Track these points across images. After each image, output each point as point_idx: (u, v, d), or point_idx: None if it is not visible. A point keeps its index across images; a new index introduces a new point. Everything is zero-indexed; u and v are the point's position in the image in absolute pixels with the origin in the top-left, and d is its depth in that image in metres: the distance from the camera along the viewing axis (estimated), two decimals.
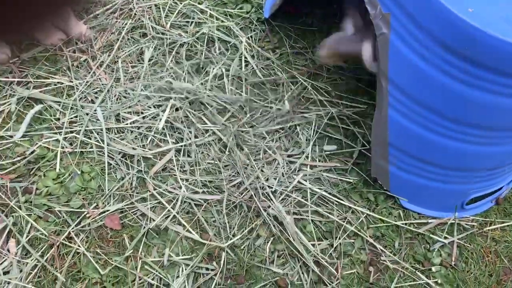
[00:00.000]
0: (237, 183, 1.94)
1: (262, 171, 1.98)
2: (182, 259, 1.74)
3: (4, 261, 1.66)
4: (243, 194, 1.91)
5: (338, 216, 1.92)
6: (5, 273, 1.63)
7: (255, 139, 2.06)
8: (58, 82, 2.07)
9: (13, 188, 1.81)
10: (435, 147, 1.80)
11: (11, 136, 1.91)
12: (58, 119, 1.98)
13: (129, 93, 2.08)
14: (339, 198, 1.98)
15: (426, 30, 1.57)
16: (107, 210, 1.80)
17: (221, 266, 1.75)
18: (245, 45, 2.34)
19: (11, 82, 2.04)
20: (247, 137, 2.05)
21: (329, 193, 1.97)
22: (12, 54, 2.10)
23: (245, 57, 2.31)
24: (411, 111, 1.74)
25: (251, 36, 2.40)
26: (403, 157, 1.87)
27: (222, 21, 2.40)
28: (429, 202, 2.00)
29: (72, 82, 2.07)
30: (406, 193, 1.99)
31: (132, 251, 1.74)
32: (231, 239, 1.81)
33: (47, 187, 1.82)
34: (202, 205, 1.87)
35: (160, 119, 2.03)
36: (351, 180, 2.03)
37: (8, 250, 1.68)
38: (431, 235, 1.95)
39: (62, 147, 1.91)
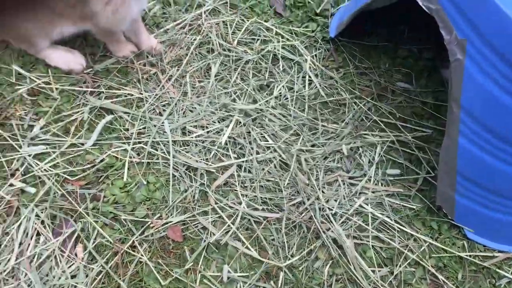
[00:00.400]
0: (297, 202, 1.94)
1: (322, 192, 1.97)
2: (240, 276, 1.75)
3: (72, 265, 1.73)
4: (303, 214, 1.90)
5: (399, 243, 1.88)
6: (72, 276, 1.70)
7: (316, 159, 2.05)
8: (128, 94, 2.15)
9: (82, 194, 1.89)
10: (507, 178, 1.73)
11: (83, 144, 2.00)
12: (127, 130, 2.06)
13: (195, 108, 2.13)
14: (401, 225, 1.93)
15: (503, 56, 1.52)
16: (170, 222, 1.84)
17: (279, 286, 1.75)
18: (309, 63, 2.34)
19: (84, 92, 2.14)
20: (309, 156, 2.05)
21: (391, 219, 1.93)
22: (86, 65, 2.20)
23: (309, 76, 2.31)
24: (483, 140, 1.69)
25: (315, 55, 2.40)
26: (471, 186, 1.81)
27: (288, 39, 2.42)
28: (496, 235, 1.92)
29: (142, 94, 2.15)
30: (472, 223, 1.92)
31: (192, 264, 1.77)
32: (289, 259, 1.80)
33: (114, 195, 1.89)
34: (262, 223, 1.88)
35: (224, 134, 2.07)
36: (414, 207, 1.98)
37: (76, 255, 1.75)
38: (497, 270, 1.87)
39: (130, 157, 1.98)
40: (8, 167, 1.91)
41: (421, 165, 2.10)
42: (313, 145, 2.10)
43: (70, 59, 2.18)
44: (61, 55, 2.17)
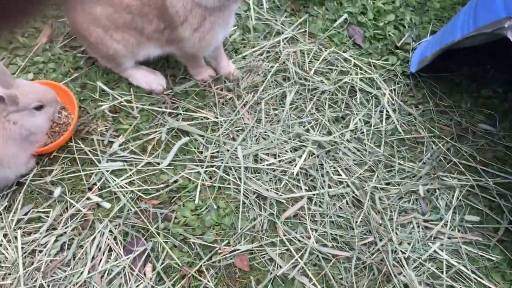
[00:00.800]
0: (368, 242, 1.88)
1: (396, 233, 1.89)
2: None
3: (140, 283, 1.75)
4: (374, 255, 1.83)
5: None
6: None
7: (391, 198, 1.98)
8: (204, 117, 2.18)
9: (154, 213, 1.92)
10: None
11: (158, 163, 2.04)
12: (201, 152, 2.08)
13: (268, 135, 2.13)
14: (478, 276, 1.82)
15: None
16: (238, 249, 1.83)
17: None
18: (387, 97, 2.29)
19: (163, 112, 2.19)
20: (383, 195, 1.98)
21: (468, 269, 1.82)
22: (166, 86, 2.26)
23: (387, 111, 2.25)
24: None
25: (394, 89, 2.34)
26: None
27: (366, 72, 2.38)
28: None
29: (217, 118, 2.17)
30: None
31: None
32: None
33: (185, 217, 1.91)
34: (330, 260, 1.83)
35: (296, 165, 2.04)
36: (494, 258, 1.86)
37: (144, 274, 1.77)
38: None
39: (202, 180, 2.00)
40: (86, 181, 1.98)
41: (502, 214, 1.98)
42: (388, 183, 2.03)
43: (152, 80, 2.25)
44: (143, 75, 2.25)
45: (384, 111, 2.25)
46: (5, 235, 1.83)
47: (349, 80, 2.33)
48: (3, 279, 1.74)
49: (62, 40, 2.39)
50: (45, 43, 2.37)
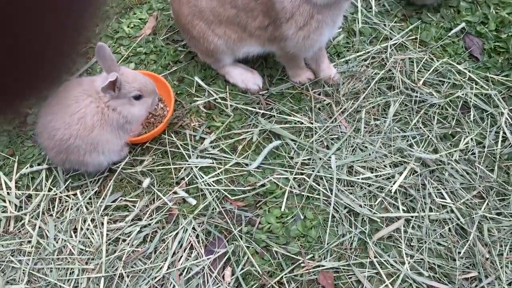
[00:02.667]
0: (471, 277, 1.66)
1: (506, 272, 1.65)
2: None
3: (218, 287, 1.68)
4: None
5: None
6: None
7: (502, 231, 1.74)
8: (298, 121, 2.08)
9: (238, 215, 1.84)
10: None
11: (247, 165, 1.97)
12: (292, 158, 1.98)
13: (366, 147, 1.97)
14: None
15: None
16: (322, 266, 1.70)
17: None
18: (505, 117, 2.03)
19: (256, 113, 2.12)
20: (493, 226, 1.75)
21: None
22: (262, 86, 2.19)
23: (504, 132, 2.00)
24: None
25: None
26: None
27: (482, 87, 2.13)
28: None
29: (312, 124, 2.05)
30: None
31: None
32: None
33: (269, 223, 1.81)
34: None
35: (395, 182, 1.87)
36: None
37: (223, 278, 1.70)
38: None
39: (291, 187, 1.89)
40: (175, 175, 1.96)
41: None
42: (499, 214, 1.79)
43: (248, 78, 2.18)
44: (240, 73, 2.19)
45: (501, 132, 2.00)
46: (92, 220, 1.85)
47: (462, 94, 2.10)
48: (86, 263, 1.76)
49: (165, 33, 2.41)
50: (148, 35, 2.41)
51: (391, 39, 2.33)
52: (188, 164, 1.98)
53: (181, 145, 2.03)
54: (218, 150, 2.02)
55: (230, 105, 2.15)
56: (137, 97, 1.82)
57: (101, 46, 1.71)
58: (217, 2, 1.87)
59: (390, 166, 1.93)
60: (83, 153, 1.78)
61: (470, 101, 2.08)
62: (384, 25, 2.39)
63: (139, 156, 2.01)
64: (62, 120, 1.73)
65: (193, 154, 2.00)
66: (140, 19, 2.48)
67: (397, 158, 1.93)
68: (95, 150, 1.80)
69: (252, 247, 1.76)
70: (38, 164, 2.01)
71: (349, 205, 1.82)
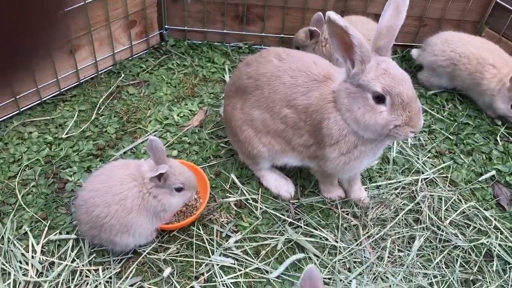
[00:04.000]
0: None
1: None
2: None
3: None
4: None
5: None
6: None
7: None
8: (324, 237, 2.12)
9: None
10: None
11: (267, 272, 1.99)
12: None
13: (388, 277, 1.99)
14: None
15: None
16: None
17: None
18: None
19: (284, 220, 2.17)
20: None
21: None
22: (294, 195, 2.26)
23: None
24: None
25: None
26: None
27: (507, 238, 2.17)
28: None
29: (337, 242, 2.09)
30: None
31: None
32: None
33: None
34: None
35: None
36: None
37: None
38: None
39: None
40: (196, 269, 1.98)
41: None
42: None
43: (281, 185, 2.27)
44: (275, 179, 2.28)
45: None
46: None
47: (486, 242, 2.14)
48: None
49: (211, 127, 2.55)
50: (195, 126, 2.55)
51: (422, 173, 2.43)
52: (210, 261, 2.00)
53: (207, 239, 2.07)
54: (241, 251, 2.05)
55: (260, 207, 2.21)
56: (179, 189, 1.90)
57: (154, 140, 1.82)
58: (269, 115, 2.00)
59: None
60: (115, 233, 1.83)
61: (494, 250, 2.11)
62: (418, 158, 2.50)
63: (165, 243, 2.05)
64: (103, 198, 1.81)
65: (216, 251, 2.03)
66: (190, 110, 2.64)
67: None
68: (127, 232, 1.85)
69: None
70: (67, 233, 2.06)
71: None
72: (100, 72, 2.77)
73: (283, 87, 1.96)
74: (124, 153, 2.38)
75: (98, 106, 2.59)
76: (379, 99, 1.68)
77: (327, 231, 2.15)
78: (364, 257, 2.06)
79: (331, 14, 1.62)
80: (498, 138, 2.67)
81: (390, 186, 2.36)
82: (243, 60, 2.29)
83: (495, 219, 2.25)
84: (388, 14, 1.73)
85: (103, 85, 2.73)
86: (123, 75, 2.79)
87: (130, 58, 2.89)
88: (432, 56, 2.81)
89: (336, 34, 1.68)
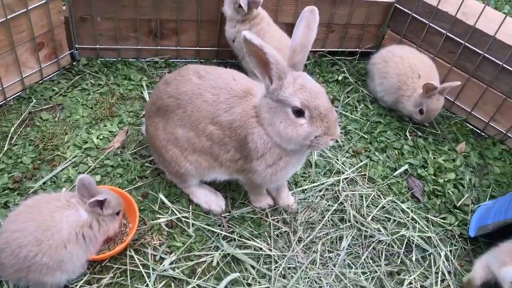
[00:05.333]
0: None
1: None
2: None
3: None
4: None
5: None
6: None
7: None
8: (258, 247, 2.16)
9: None
10: None
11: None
12: (250, 285, 2.04)
13: (321, 280, 2.08)
14: None
15: None
16: None
17: None
18: (443, 259, 2.24)
19: (218, 234, 2.19)
20: None
21: None
22: (225, 208, 2.29)
23: (442, 273, 2.19)
24: None
25: (450, 251, 2.29)
26: None
27: (422, 227, 2.36)
28: None
29: (271, 251, 2.15)
30: None
31: None
32: None
33: None
34: None
35: None
36: None
37: None
38: None
39: None
40: None
41: None
42: None
43: (212, 200, 2.29)
44: (204, 195, 2.29)
45: (440, 272, 2.19)
46: None
47: (406, 233, 2.31)
48: None
49: (133, 147, 2.50)
50: (117, 148, 2.49)
51: (343, 173, 2.56)
52: (146, 286, 1.98)
53: (141, 264, 2.04)
54: (177, 272, 2.04)
55: (192, 224, 2.21)
56: (118, 213, 1.91)
57: (85, 178, 1.80)
58: (194, 133, 2.01)
59: None
60: (45, 272, 1.75)
61: (413, 241, 2.29)
62: (337, 159, 2.63)
63: (97, 274, 1.99)
64: (32, 236, 1.72)
65: (152, 274, 2.01)
66: (110, 131, 2.57)
67: None
68: (60, 268, 1.78)
69: None
70: None
71: None
72: (8, 99, 2.61)
73: (205, 105, 1.98)
74: (44, 183, 2.27)
75: (10, 136, 2.44)
76: (299, 112, 1.76)
77: (260, 241, 2.21)
78: (298, 262, 2.14)
79: (247, 33, 1.66)
80: (408, 134, 2.88)
81: (315, 189, 2.47)
82: (162, 78, 2.27)
83: (411, 211, 2.44)
84: (300, 31, 1.81)
85: (13, 112, 2.58)
86: (34, 100, 2.65)
87: (40, 82, 2.75)
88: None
89: (253, 52, 1.72)
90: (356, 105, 3.03)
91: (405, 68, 2.85)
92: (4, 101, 2.60)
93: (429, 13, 2.94)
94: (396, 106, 2.95)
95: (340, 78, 3.18)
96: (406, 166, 2.65)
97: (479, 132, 2.99)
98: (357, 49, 3.34)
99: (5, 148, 2.38)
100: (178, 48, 3.03)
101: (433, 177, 2.61)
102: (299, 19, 1.82)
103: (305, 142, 1.80)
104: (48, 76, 2.79)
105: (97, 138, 2.52)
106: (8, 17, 2.34)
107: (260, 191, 2.26)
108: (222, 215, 2.28)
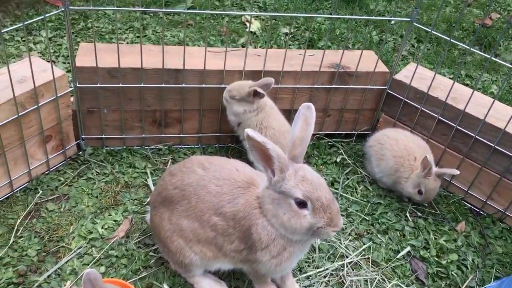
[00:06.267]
0: None
1: None
2: None
3: None
4: None
5: None
6: None
7: None
8: None
9: None
10: None
11: None
12: None
13: None
14: None
15: None
16: None
17: None
18: None
19: None
20: None
21: None
22: None
23: None
24: None
25: None
26: None
27: None
28: None
29: None
30: None
31: None
32: None
33: None
34: None
35: None
36: None
37: None
38: None
39: None
40: None
41: None
42: None
43: None
44: (209, 285, 2.28)
45: None
46: None
47: None
48: None
49: (138, 236, 2.53)
50: (121, 237, 2.51)
51: (347, 257, 2.57)
52: None
53: None
54: None
55: None
56: None
57: (91, 272, 1.80)
58: (199, 224, 2.05)
59: None
60: None
61: None
62: (340, 242, 2.65)
63: None
64: None
65: None
66: (114, 220, 2.60)
67: None
68: None
69: None
70: None
71: None
72: (15, 191, 2.67)
73: (209, 196, 2.03)
74: (48, 276, 2.27)
75: (15, 228, 2.47)
76: (301, 204, 1.81)
77: None
78: None
79: (249, 131, 1.76)
80: (408, 214, 2.92)
81: (319, 275, 2.46)
82: (167, 169, 2.34)
83: None
84: (298, 126, 1.91)
85: (19, 204, 2.62)
86: (40, 191, 2.71)
87: (47, 172, 2.82)
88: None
89: (256, 148, 1.81)
90: (355, 186, 3.10)
91: (401, 151, 2.95)
92: (11, 193, 2.65)
93: (420, 98, 3.09)
94: (395, 187, 3.02)
95: (338, 159, 3.27)
96: (409, 248, 2.67)
97: (478, 210, 3.03)
98: (353, 131, 3.47)
99: (11, 241, 2.40)
100: (181, 135, 3.14)
101: (436, 259, 2.62)
102: (296, 115, 1.93)
103: (309, 232, 1.85)
104: (55, 166, 2.87)
105: (102, 227, 2.55)
106: (19, 114, 2.46)
107: (265, 280, 2.26)
108: None
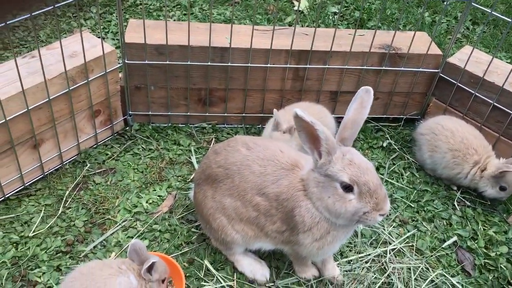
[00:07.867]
0: None
1: None
2: None
3: None
4: None
5: None
6: None
7: None
8: None
9: None
10: None
11: None
12: None
13: None
14: None
15: None
16: None
17: None
18: None
19: None
20: None
21: None
22: (269, 278, 2.28)
23: None
24: None
25: None
26: None
27: None
28: None
29: None
30: None
31: None
32: None
33: None
34: None
35: None
36: None
37: None
38: None
39: None
40: None
41: None
42: None
43: (256, 269, 2.28)
44: (249, 263, 2.30)
45: None
46: None
47: None
48: None
49: (181, 212, 2.56)
50: (165, 212, 2.55)
51: (390, 243, 2.51)
52: None
53: None
54: None
55: None
56: (164, 280, 2.00)
57: (136, 243, 1.86)
58: (241, 203, 2.05)
59: None
60: None
61: None
62: (384, 228, 2.59)
63: None
64: None
65: None
66: (159, 196, 2.64)
67: None
68: None
69: None
70: None
71: None
72: (64, 163, 2.75)
73: (253, 176, 2.02)
74: (94, 247, 2.34)
75: (64, 198, 2.56)
76: (347, 188, 1.77)
77: None
78: None
79: (298, 111, 1.72)
80: (456, 203, 2.82)
81: (361, 260, 2.42)
82: (211, 148, 2.35)
83: (462, 286, 2.35)
84: (353, 108, 1.86)
85: (68, 176, 2.71)
86: (88, 164, 2.78)
87: (94, 146, 2.89)
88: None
89: (303, 128, 1.77)
90: (402, 172, 3.01)
91: (458, 144, 2.80)
92: (60, 165, 2.73)
93: (475, 83, 2.95)
94: (452, 181, 2.90)
95: (385, 144, 3.19)
96: (455, 238, 2.58)
97: None
98: (402, 116, 3.36)
99: (60, 211, 2.49)
100: (225, 114, 3.13)
101: (484, 250, 2.53)
102: (354, 97, 1.89)
103: (354, 217, 1.80)
104: (102, 140, 2.93)
105: (146, 202, 2.60)
106: (70, 88, 2.51)
107: (305, 262, 2.25)
108: (267, 284, 2.26)
